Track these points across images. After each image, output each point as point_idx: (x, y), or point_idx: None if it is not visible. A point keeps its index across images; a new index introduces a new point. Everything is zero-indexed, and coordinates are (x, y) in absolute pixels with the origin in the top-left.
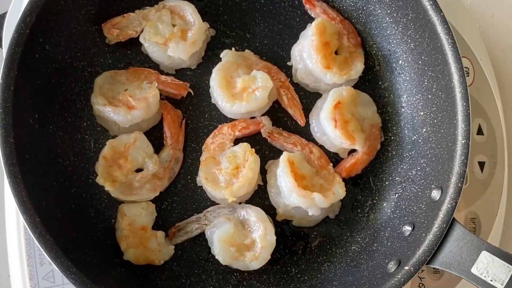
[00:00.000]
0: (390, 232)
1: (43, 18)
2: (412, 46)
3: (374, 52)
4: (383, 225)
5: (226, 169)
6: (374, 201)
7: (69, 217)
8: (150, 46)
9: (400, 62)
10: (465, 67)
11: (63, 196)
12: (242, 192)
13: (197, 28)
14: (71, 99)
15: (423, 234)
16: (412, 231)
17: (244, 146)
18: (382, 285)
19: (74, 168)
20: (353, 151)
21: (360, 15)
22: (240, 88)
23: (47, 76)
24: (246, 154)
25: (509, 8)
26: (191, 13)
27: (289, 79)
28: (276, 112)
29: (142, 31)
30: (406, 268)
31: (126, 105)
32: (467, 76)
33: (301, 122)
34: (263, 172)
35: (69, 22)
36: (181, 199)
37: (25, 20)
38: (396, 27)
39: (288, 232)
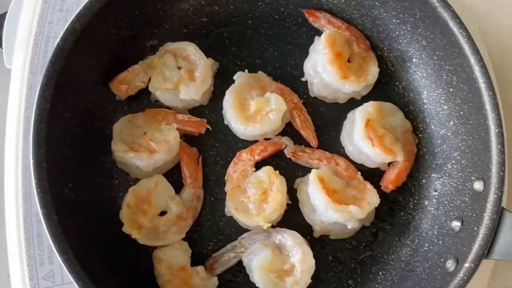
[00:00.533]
0: (439, 230)
1: (59, 87)
2: (424, 43)
3: (385, 54)
4: (430, 223)
5: (254, 195)
6: (415, 201)
7: (120, 276)
8: (161, 93)
9: (414, 60)
10: None
11: (110, 257)
12: (275, 216)
13: (203, 66)
14: (98, 160)
15: (475, 228)
16: (461, 226)
17: (268, 169)
18: (445, 286)
19: (115, 227)
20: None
21: (366, 21)
22: (254, 110)
23: (72, 144)
24: (271, 177)
25: (509, 8)
26: (194, 53)
27: (301, 100)
28: (290, 128)
29: (150, 81)
30: (466, 265)
31: (147, 149)
32: None
33: (313, 143)
34: (289, 191)
35: (84, 85)
36: (213, 229)
37: (44, 94)
38: (404, 28)
39: (336, 248)
